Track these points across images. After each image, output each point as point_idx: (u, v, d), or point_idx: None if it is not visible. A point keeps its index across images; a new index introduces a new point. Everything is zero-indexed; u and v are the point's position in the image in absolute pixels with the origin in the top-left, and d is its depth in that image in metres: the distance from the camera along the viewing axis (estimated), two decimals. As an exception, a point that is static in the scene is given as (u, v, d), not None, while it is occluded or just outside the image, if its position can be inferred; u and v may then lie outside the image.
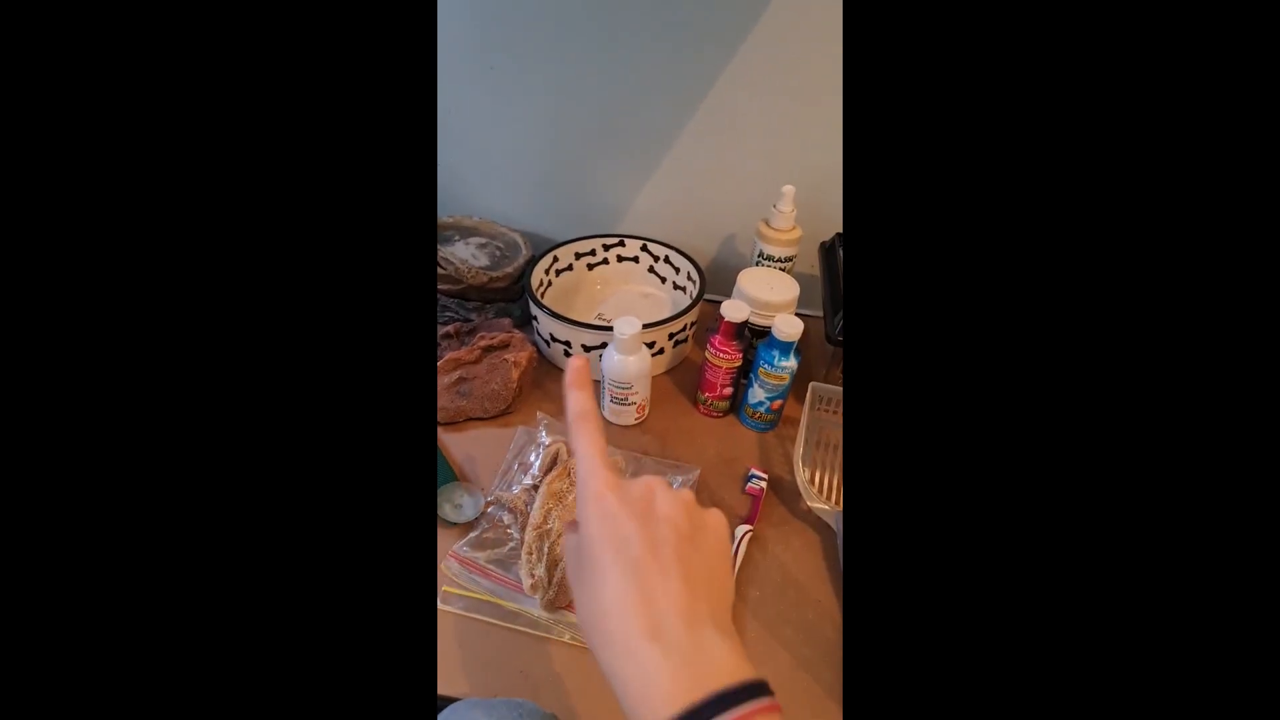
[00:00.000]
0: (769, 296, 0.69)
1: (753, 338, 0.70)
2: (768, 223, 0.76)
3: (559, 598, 0.52)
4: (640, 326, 0.63)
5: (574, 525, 0.33)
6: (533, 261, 0.80)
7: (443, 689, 0.49)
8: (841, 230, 0.81)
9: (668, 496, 0.32)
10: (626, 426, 0.71)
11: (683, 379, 0.78)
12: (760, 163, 0.80)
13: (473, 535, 0.58)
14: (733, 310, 0.65)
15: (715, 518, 0.34)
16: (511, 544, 0.58)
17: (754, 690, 0.27)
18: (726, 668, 0.28)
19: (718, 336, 0.66)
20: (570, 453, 0.62)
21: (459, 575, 0.55)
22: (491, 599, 0.54)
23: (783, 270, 0.77)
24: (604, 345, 0.72)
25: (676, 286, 0.85)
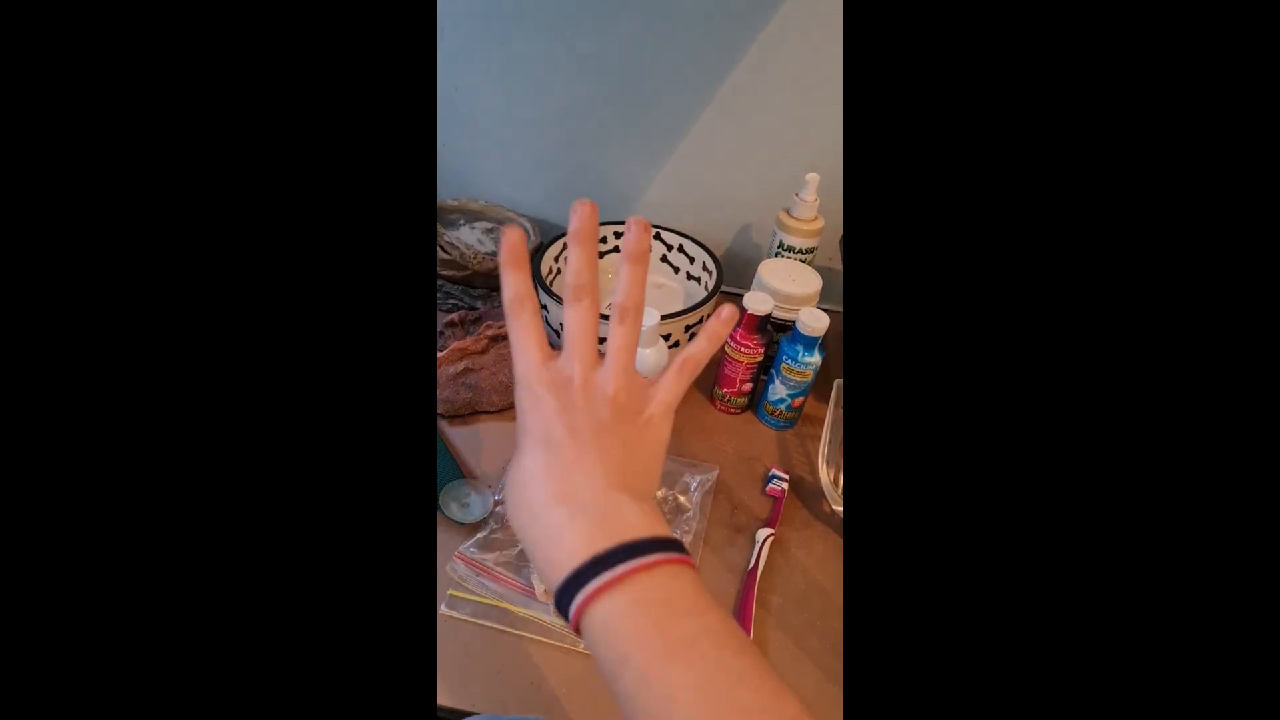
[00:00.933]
0: (791, 289, 0.66)
1: (774, 332, 0.67)
2: (789, 212, 0.73)
3: (573, 604, 0.49)
4: (659, 318, 0.60)
5: None
6: (541, 248, 0.77)
7: (449, 700, 0.46)
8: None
9: (596, 388, 0.31)
10: (640, 422, 0.68)
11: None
12: (780, 149, 0.77)
13: (480, 536, 0.55)
14: (756, 302, 0.61)
15: (656, 422, 0.33)
16: (521, 545, 0.55)
17: (665, 545, 0.27)
18: (637, 525, 0.28)
19: (739, 330, 0.63)
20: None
21: (466, 579, 0.52)
22: (501, 604, 0.51)
23: (803, 262, 0.73)
24: (617, 337, 0.69)
25: (690, 277, 0.82)
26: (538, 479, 0.29)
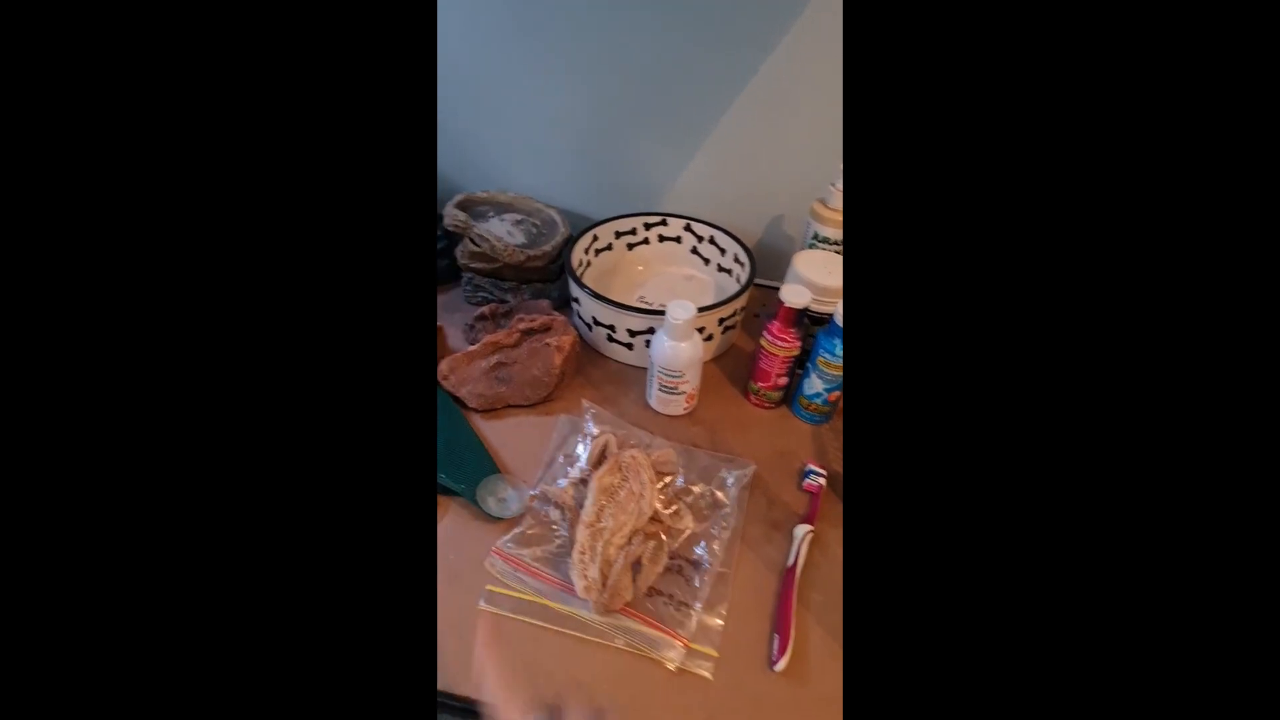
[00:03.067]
0: (827, 281, 0.65)
1: (811, 325, 0.66)
2: (824, 203, 0.71)
3: (613, 601, 0.49)
4: (695, 311, 0.59)
5: None
6: (571, 240, 0.76)
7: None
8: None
9: None
10: (674, 416, 0.67)
11: (730, 367, 0.74)
12: (814, 139, 0.75)
13: (517, 531, 0.55)
14: (793, 295, 0.60)
15: None
16: (559, 541, 0.54)
17: None
18: None
19: (776, 323, 0.62)
20: (620, 445, 0.59)
21: (504, 574, 0.52)
22: (540, 600, 0.51)
23: (838, 253, 0.72)
24: (650, 330, 0.68)
25: (722, 269, 0.81)
26: None
